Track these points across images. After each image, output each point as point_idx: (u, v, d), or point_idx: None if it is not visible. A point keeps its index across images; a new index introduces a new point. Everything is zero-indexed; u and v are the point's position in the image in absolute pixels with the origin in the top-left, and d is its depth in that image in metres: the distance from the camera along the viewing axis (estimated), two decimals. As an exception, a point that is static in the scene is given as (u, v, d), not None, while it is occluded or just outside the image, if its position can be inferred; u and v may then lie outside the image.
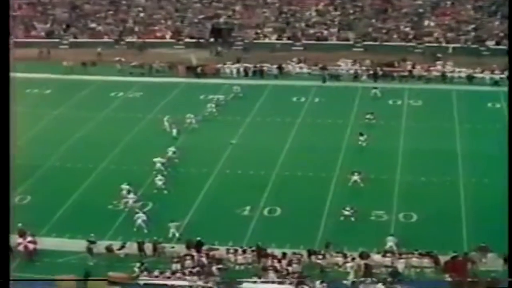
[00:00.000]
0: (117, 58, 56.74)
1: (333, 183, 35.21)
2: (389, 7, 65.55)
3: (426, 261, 27.74)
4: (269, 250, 28.55)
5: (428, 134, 41.62)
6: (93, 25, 67.40)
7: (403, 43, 60.44)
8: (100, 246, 29.07)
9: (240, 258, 28.39)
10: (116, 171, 36.82)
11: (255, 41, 63.01)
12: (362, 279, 26.54)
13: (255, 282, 26.23)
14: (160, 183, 34.91)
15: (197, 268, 27.32)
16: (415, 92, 49.69)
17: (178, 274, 26.93)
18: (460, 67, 52.75)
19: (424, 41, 60.39)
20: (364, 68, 53.85)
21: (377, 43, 60.84)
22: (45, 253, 29.09)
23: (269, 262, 27.73)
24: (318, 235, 30.15)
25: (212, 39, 63.93)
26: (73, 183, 35.54)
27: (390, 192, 34.06)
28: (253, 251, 28.59)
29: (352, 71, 53.72)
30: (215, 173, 36.84)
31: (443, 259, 27.60)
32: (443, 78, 52.03)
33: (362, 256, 27.78)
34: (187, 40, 64.12)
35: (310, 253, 28.16)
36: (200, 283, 26.39)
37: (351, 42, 61.61)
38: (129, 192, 33.54)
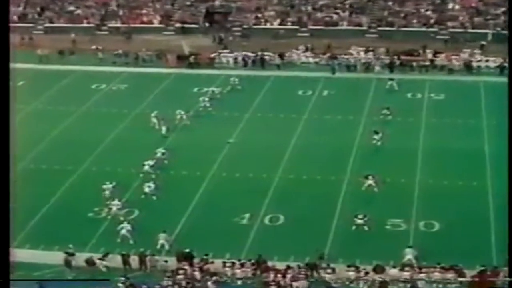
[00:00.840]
0: (94, 47, 56.80)
1: (344, 188, 35.25)
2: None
3: (449, 276, 27.74)
4: (271, 263, 28.57)
5: (451, 131, 41.67)
6: (71, 8, 67.53)
7: (423, 29, 60.57)
8: (80, 258, 29.08)
9: (238, 272, 28.41)
10: (98, 174, 36.83)
11: (255, 26, 63.15)
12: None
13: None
14: (147, 188, 34.94)
15: (190, 285, 27.33)
16: (437, 84, 49.74)
17: (168, 291, 26.97)
18: (489, 56, 52.81)
19: (447, 26, 60.45)
20: (379, 57, 53.89)
21: (393, 28, 60.95)
22: (18, 266, 29.04)
23: (271, 277, 27.76)
24: (326, 247, 30.15)
25: (206, 24, 64.00)
26: (49, 188, 35.58)
27: (409, 197, 34.09)
28: (252, 264, 28.63)
29: (365, 61, 53.76)
30: (209, 177, 36.87)
31: (469, 273, 27.61)
32: (469, 68, 52.09)
33: (377, 270, 27.79)
34: (178, 25, 64.20)
35: (311, 267, 28.09)
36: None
37: (364, 28, 61.71)
38: (112, 198, 33.55)
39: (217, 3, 66.55)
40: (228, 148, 40.22)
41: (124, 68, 54.68)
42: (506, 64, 50.47)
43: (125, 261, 29.14)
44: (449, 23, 60.74)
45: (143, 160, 37.20)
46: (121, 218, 32.29)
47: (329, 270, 28.02)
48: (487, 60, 52.38)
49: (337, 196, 34.43)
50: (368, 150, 39.46)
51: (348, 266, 28.16)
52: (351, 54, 54.92)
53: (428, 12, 62.52)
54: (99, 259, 29.01)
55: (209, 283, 27.61)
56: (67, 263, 28.79)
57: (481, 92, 47.77)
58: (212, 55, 55.46)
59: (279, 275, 27.77)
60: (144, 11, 66.29)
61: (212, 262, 28.76)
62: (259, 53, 55.13)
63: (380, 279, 27.47)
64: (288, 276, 27.64)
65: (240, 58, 55.26)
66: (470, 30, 59.53)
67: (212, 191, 35.47)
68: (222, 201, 34.32)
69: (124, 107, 46.43)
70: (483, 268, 27.60)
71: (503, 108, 44.49)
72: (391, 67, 52.77)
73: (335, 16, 63.28)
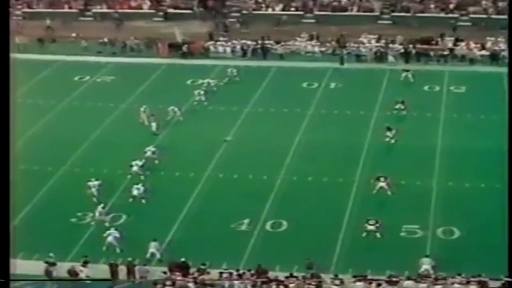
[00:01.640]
0: (76, 34, 56.88)
1: (353, 191, 35.32)
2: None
3: (470, 288, 27.84)
4: (272, 273, 28.61)
5: (473, 128, 41.73)
6: (52, -9, 67.56)
7: (442, 15, 60.57)
8: (61, 268, 29.14)
9: (236, 283, 28.47)
10: (81, 175, 36.85)
11: (255, 12, 63.15)
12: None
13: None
14: (136, 190, 34.98)
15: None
16: (457, 75, 49.81)
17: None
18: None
19: (469, 11, 60.47)
20: (392, 46, 53.93)
21: (409, 14, 60.96)
22: (-7, 277, 29.20)
23: (273, 289, 27.85)
24: (334, 256, 30.26)
25: (201, 9, 64.04)
26: (28, 191, 35.62)
27: (426, 201, 34.16)
28: (252, 274, 28.67)
29: (377, 50, 53.81)
30: (205, 178, 36.96)
31: (492, 285, 27.66)
32: (493, 58, 52.12)
33: (390, 281, 27.85)
34: (170, 10, 64.24)
35: (317, 277, 28.18)
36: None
37: (376, 13, 61.73)
38: (98, 199, 33.61)
39: (213, -15, 66.67)
40: (225, 146, 40.29)
41: (110, 58, 54.79)
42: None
43: (113, 271, 29.20)
44: (471, 8, 60.76)
45: (131, 160, 37.25)
46: (107, 224, 32.35)
47: (337, 282, 28.05)
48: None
49: (346, 199, 34.49)
50: (380, 149, 39.53)
51: (355, 276, 28.15)
52: (362, 42, 54.99)
53: (448, -4, 62.61)
54: (81, 265, 29.04)
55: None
56: (48, 274, 28.85)
57: (505, 84, 47.75)
58: (207, 44, 55.48)
59: (281, 287, 27.81)
60: (132, -5, 66.40)
61: (208, 273, 28.82)
62: (260, 42, 55.18)
63: (393, 292, 27.56)
64: (291, 286, 27.69)
65: (238, 47, 55.32)
66: (493, 16, 59.52)
67: (208, 194, 35.54)
68: (218, 205, 34.39)
69: (110, 101, 46.52)
70: (508, 279, 27.60)
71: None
72: (406, 56, 52.83)
73: (344, 1, 63.30)
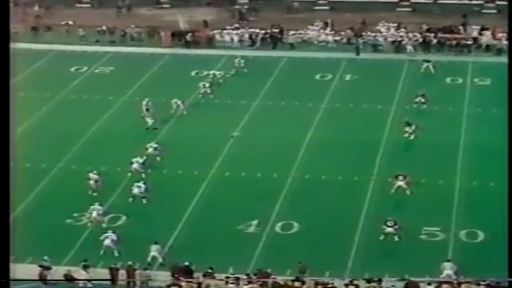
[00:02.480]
0: (72, 22, 56.89)
1: (370, 190, 35.31)
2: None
3: (495, 295, 27.77)
4: (282, 278, 28.56)
5: (499, 123, 41.44)
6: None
7: (465, 1, 60.38)
8: (56, 273, 29.19)
9: (244, 290, 28.54)
10: (78, 173, 36.97)
11: (265, -2, 63.19)
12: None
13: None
14: (136, 189, 35.04)
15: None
16: (481, 67, 49.67)
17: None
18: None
19: (494, -3, 60.41)
20: (412, 34, 53.82)
21: (430, 1, 60.81)
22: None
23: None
24: (349, 259, 30.25)
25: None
26: (21, 190, 35.62)
27: (448, 202, 34.15)
28: (260, 279, 28.67)
29: (395, 39, 53.71)
30: (210, 176, 36.99)
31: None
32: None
33: (409, 287, 27.80)
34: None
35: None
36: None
37: (395, 0, 61.56)
38: (96, 191, 33.64)
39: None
40: (232, 142, 40.33)
41: (109, 48, 54.89)
42: None
43: (113, 276, 29.24)
44: (497, -6, 60.68)
45: (131, 156, 37.30)
46: (104, 225, 32.41)
47: (351, 287, 28.05)
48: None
49: (361, 199, 34.49)
50: (399, 145, 39.53)
51: (368, 281, 28.02)
52: (379, 31, 54.91)
53: (472, -19, 62.46)
54: (83, 268, 29.11)
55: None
56: (43, 278, 28.89)
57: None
58: (213, 33, 55.47)
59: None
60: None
61: (214, 278, 28.84)
62: (269, 30, 55.15)
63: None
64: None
65: (246, 36, 55.32)
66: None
67: (213, 194, 35.59)
68: (224, 205, 34.44)
69: (109, 94, 46.60)
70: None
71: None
72: (427, 46, 52.71)
73: (360, -14, 63.26)
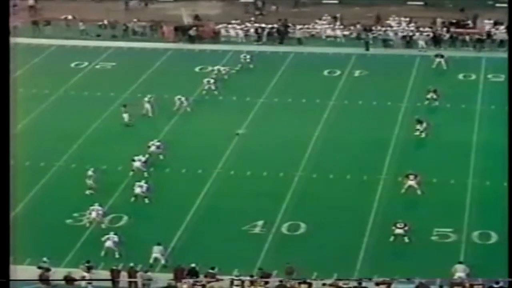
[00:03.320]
0: (72, 16, 56.96)
1: (380, 189, 35.30)
2: None
3: (509, 298, 27.75)
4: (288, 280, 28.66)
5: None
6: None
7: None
8: (57, 274, 29.26)
9: (248, 292, 28.58)
10: (78, 172, 37.04)
11: (272, -9, 63.17)
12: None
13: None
14: (138, 188, 35.07)
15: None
16: (496, 62, 49.50)
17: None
18: None
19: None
20: (423, 29, 53.76)
21: (442, -6, 60.79)
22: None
23: (289, 298, 27.92)
24: (357, 261, 30.24)
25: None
26: (19, 188, 35.71)
27: (460, 202, 34.12)
28: (266, 282, 28.69)
29: (406, 34, 53.66)
30: (214, 175, 37.03)
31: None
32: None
33: (420, 290, 27.88)
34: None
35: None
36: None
37: (406, -7, 61.59)
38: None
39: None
40: (237, 140, 40.35)
41: (111, 43, 54.95)
42: None
43: (114, 277, 29.30)
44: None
45: (133, 155, 37.36)
46: (103, 226, 32.48)
47: (360, 290, 28.12)
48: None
49: (371, 199, 34.47)
50: (410, 144, 39.50)
51: (377, 284, 28.02)
52: (390, 25, 54.84)
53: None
54: (85, 270, 29.18)
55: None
56: (43, 280, 28.95)
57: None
58: (218, 27, 55.50)
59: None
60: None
61: (217, 280, 28.87)
62: (276, 25, 55.13)
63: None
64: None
65: (252, 31, 55.32)
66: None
67: (217, 193, 35.62)
68: (229, 205, 34.46)
69: (111, 90, 46.65)
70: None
71: None
72: (438, 41, 52.63)
73: (370, -21, 63.23)
